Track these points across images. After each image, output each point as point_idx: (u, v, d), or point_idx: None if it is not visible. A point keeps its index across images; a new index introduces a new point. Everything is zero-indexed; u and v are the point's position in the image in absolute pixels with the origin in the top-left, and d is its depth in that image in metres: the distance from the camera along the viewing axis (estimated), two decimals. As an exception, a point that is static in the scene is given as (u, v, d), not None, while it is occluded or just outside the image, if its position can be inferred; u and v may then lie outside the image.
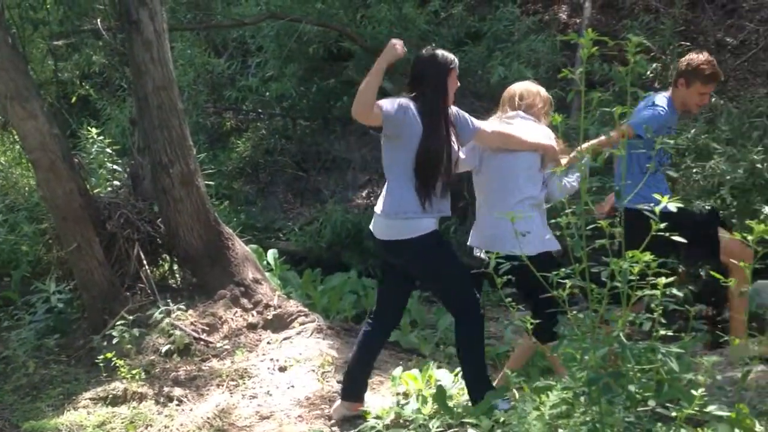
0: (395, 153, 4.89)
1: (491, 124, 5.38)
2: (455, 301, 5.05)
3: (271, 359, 6.37)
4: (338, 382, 6.01)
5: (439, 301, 5.43)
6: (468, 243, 5.51)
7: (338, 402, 5.44)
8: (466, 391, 5.25)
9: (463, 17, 12.41)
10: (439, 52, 5.09)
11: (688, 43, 12.82)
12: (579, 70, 3.34)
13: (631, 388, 3.19)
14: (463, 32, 12.28)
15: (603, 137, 5.41)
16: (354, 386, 5.36)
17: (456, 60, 5.08)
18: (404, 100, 4.88)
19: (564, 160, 5.18)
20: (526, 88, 5.59)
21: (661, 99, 5.66)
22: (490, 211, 5.20)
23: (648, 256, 3.11)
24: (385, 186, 5.04)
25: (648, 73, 11.33)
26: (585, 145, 5.51)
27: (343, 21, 11.70)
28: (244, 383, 6.11)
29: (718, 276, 3.38)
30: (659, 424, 3.27)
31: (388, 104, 4.75)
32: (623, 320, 3.17)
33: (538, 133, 5.32)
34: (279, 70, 12.64)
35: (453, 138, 4.93)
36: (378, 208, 5.03)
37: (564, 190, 5.21)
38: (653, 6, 14.20)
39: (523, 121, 5.39)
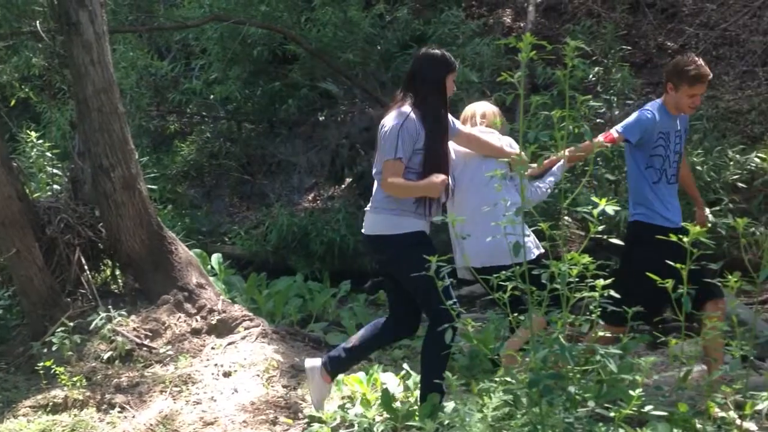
0: None
1: (467, 128, 5.44)
2: (424, 308, 4.98)
3: (216, 364, 6.31)
4: (283, 386, 5.99)
5: None
6: (459, 274, 5.45)
7: (317, 362, 5.33)
8: (411, 394, 5.26)
9: (408, 20, 12.46)
10: (440, 52, 5.03)
11: (629, 48, 12.99)
12: (518, 74, 3.36)
13: (571, 389, 3.22)
14: (408, 35, 12.32)
15: (586, 142, 5.48)
16: (338, 362, 5.28)
17: (456, 63, 5.07)
18: (408, 129, 4.86)
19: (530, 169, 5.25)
20: (485, 108, 5.73)
21: (652, 104, 5.66)
22: (481, 227, 5.05)
23: (586, 259, 3.14)
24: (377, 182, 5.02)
25: (590, 77, 11.45)
26: (569, 150, 5.59)
27: (288, 24, 11.68)
28: (188, 389, 6.04)
29: (655, 278, 3.42)
30: (599, 424, 3.30)
31: (404, 163, 4.84)
32: (562, 322, 3.20)
33: (503, 142, 5.46)
34: (223, 72, 12.57)
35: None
36: (369, 205, 5.04)
37: (537, 195, 5.34)
38: (595, 10, 14.37)
39: (488, 133, 5.50)
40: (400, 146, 4.76)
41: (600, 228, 3.29)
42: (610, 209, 3.33)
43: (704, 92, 5.57)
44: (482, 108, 5.75)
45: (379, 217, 4.92)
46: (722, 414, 3.93)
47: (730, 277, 3.35)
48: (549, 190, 5.57)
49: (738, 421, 4.21)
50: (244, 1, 11.48)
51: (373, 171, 5.06)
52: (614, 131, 5.57)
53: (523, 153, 5.09)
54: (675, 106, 5.53)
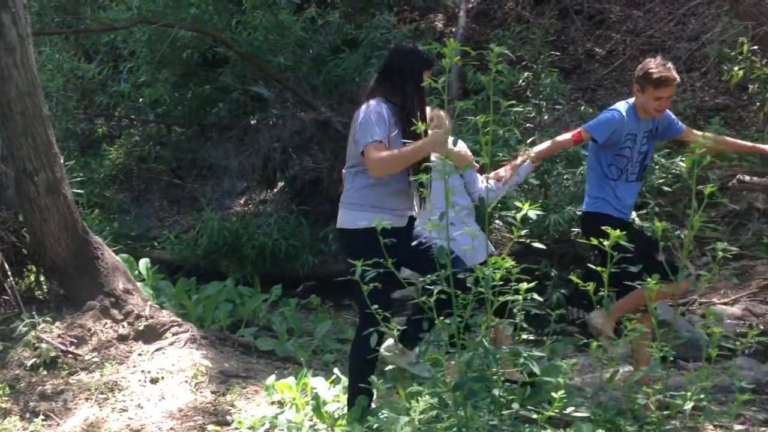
0: None
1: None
2: (358, 307, 4.80)
3: (143, 371, 6.23)
4: (212, 392, 5.94)
5: None
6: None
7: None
8: (342, 398, 5.26)
9: (339, 24, 12.47)
10: (420, 48, 4.88)
11: (558, 53, 13.18)
12: (442, 80, 3.38)
13: (496, 392, 3.25)
14: (339, 39, 12.33)
15: (555, 139, 5.54)
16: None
17: (434, 60, 4.85)
18: (379, 113, 4.68)
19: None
20: (433, 112, 5.69)
21: (622, 104, 5.63)
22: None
23: (509, 263, 3.17)
24: (352, 179, 4.85)
25: (520, 82, 11.58)
26: (536, 149, 5.65)
27: (218, 27, 11.59)
28: (114, 396, 5.95)
29: (578, 281, 3.47)
30: (524, 426, 3.34)
31: (385, 145, 4.59)
32: (486, 325, 3.23)
33: (459, 146, 5.43)
34: (152, 75, 12.43)
35: None
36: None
37: (491, 196, 5.33)
38: (524, 16, 14.54)
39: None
40: (376, 130, 4.57)
41: (524, 232, 3.32)
42: (533, 213, 3.37)
43: (671, 95, 5.54)
44: (430, 112, 5.74)
45: (341, 211, 4.80)
46: (646, 414, 4.00)
47: (649, 279, 3.42)
48: (503, 191, 5.57)
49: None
50: (173, 4, 11.37)
51: (344, 169, 4.92)
52: (582, 130, 5.59)
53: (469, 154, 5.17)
54: (643, 108, 5.52)
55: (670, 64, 5.45)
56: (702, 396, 3.28)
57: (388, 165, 4.51)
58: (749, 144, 6.27)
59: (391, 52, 5.07)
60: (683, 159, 9.65)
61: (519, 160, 5.53)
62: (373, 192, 4.67)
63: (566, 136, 5.70)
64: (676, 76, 5.49)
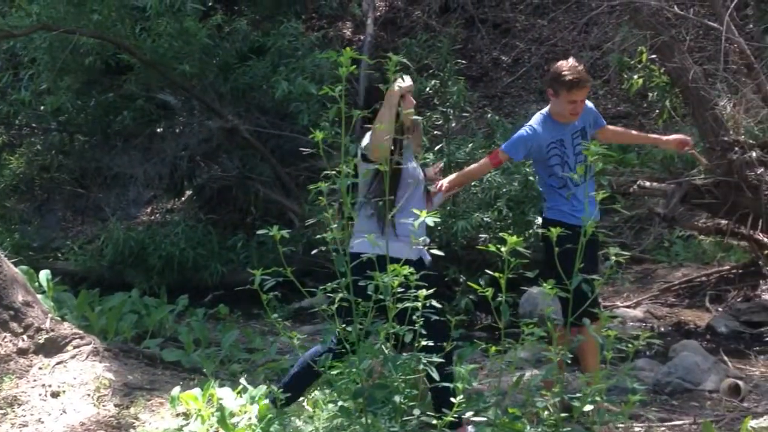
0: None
1: None
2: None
3: (43, 385, 6.07)
4: (115, 405, 5.83)
5: None
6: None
7: None
8: (248, 408, 5.22)
9: (246, 32, 12.39)
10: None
11: (464, 61, 13.32)
12: (338, 88, 3.40)
13: (397, 398, 3.26)
14: (246, 47, 12.25)
15: (470, 168, 5.49)
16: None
17: (410, 84, 4.71)
18: None
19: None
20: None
21: (537, 117, 5.51)
22: None
23: (407, 270, 3.19)
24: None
25: (427, 89, 11.67)
26: (449, 178, 5.48)
27: (121, 34, 11.39)
28: (14, 411, 5.79)
29: (476, 287, 3.51)
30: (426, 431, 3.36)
31: None
32: (384, 332, 3.24)
33: None
34: (53, 83, 12.15)
35: None
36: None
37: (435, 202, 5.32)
38: (431, 24, 14.68)
39: None
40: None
41: (422, 239, 3.35)
42: (430, 221, 3.40)
43: (584, 98, 5.42)
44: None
45: None
46: (547, 416, 4.07)
47: (545, 284, 3.48)
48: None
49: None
50: (75, 11, 11.12)
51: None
52: (499, 151, 5.46)
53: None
54: (559, 113, 5.38)
55: (581, 66, 5.36)
56: (598, 398, 3.35)
57: (378, 138, 4.35)
58: (652, 136, 6.38)
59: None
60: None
61: (432, 193, 5.43)
62: None
63: (484, 160, 5.60)
64: (589, 77, 5.48)
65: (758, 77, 8.93)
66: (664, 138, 5.96)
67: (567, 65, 5.32)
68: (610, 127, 5.91)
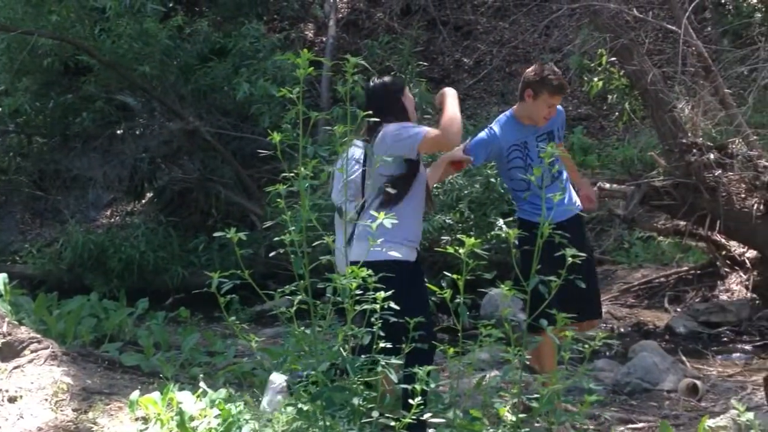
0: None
1: None
2: None
3: (0, 390, 6.00)
4: (74, 410, 5.76)
5: None
6: None
7: None
8: (208, 412, 5.18)
9: (207, 33, 12.33)
10: (387, 79, 5.03)
11: (426, 63, 13.37)
12: (296, 90, 3.38)
13: (355, 401, 3.26)
14: (208, 48, 12.19)
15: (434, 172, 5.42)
16: None
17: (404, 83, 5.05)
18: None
19: None
20: None
21: (499, 118, 5.43)
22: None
23: (365, 272, 3.19)
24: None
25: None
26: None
27: (80, 35, 11.29)
28: (-30, 417, 5.72)
29: (435, 288, 3.52)
30: (384, 433, 3.36)
31: None
32: (342, 334, 3.24)
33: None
34: (11, 84, 12.03)
35: None
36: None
37: None
38: (393, 27, 14.70)
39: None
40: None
41: (380, 241, 3.35)
42: (388, 222, 3.40)
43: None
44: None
45: None
46: (510, 417, 4.08)
47: (502, 285, 3.49)
48: None
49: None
50: (33, 11, 11.02)
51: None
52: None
53: None
54: (529, 116, 5.28)
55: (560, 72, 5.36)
56: (556, 398, 3.37)
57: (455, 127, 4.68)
58: (576, 175, 5.83)
59: (367, 93, 5.05)
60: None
61: None
62: None
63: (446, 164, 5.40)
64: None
65: (716, 80, 9.04)
66: (579, 182, 5.72)
67: (551, 69, 5.30)
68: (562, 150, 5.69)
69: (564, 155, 5.56)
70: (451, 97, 4.81)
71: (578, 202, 5.45)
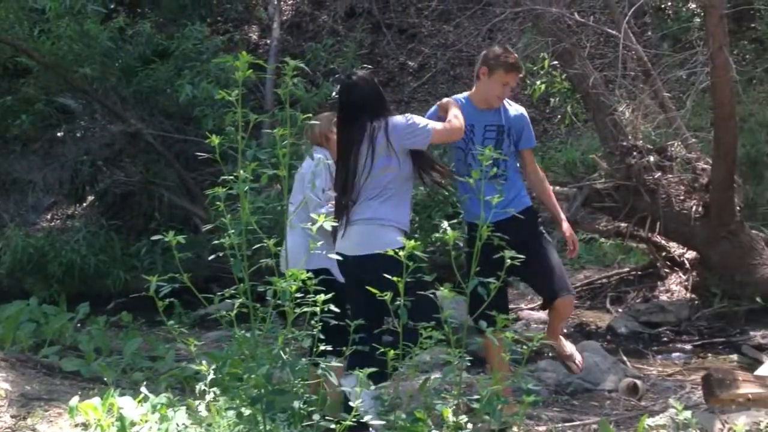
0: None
1: None
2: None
3: (-65, 398, 5.88)
4: (12, 416, 5.67)
5: None
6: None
7: None
8: (149, 417, 5.13)
9: (150, 34, 12.20)
10: (361, 72, 5.15)
11: (371, 66, 13.38)
12: (235, 92, 3.37)
13: (296, 404, 3.25)
14: (150, 50, 12.07)
15: None
16: None
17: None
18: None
19: None
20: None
21: (456, 97, 5.34)
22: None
23: (304, 275, 3.18)
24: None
25: (334, 94, 11.67)
26: None
27: (19, 36, 11.11)
28: None
29: (375, 291, 3.51)
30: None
31: None
32: (282, 337, 3.23)
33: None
34: (-54, 86, 11.81)
35: None
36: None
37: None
38: (338, 30, 14.70)
39: None
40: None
41: (320, 243, 3.34)
42: (327, 225, 3.40)
43: (515, 87, 5.50)
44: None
45: None
46: (452, 419, 4.09)
47: (442, 288, 3.51)
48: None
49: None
50: (-31, 12, 10.84)
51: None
52: None
53: None
54: (484, 98, 5.23)
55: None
56: (495, 399, 3.39)
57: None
58: (559, 214, 5.69)
59: (345, 89, 5.09)
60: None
61: None
62: None
63: None
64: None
65: (655, 83, 9.18)
66: (564, 226, 5.64)
67: (506, 49, 5.33)
68: (539, 169, 5.58)
69: (537, 175, 5.51)
70: (453, 104, 5.13)
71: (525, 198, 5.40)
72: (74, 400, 5.56)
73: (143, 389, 5.72)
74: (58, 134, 12.37)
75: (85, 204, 12.69)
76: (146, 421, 5.22)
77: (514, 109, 5.39)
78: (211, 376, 3.78)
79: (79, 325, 8.67)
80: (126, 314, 9.20)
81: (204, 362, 4.05)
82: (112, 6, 13.11)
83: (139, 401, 5.51)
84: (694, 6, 12.62)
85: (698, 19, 11.79)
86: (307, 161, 5.38)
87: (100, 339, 7.81)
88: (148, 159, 11.79)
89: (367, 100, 4.84)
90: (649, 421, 4.87)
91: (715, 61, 7.39)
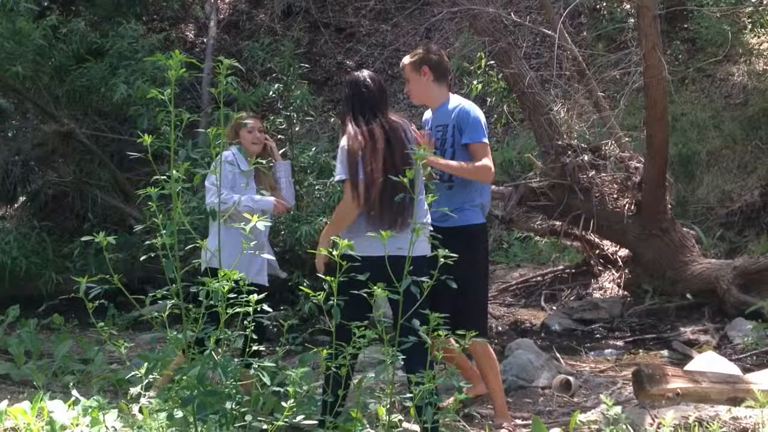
0: None
1: None
2: None
3: None
4: None
5: None
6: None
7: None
8: (80, 420, 5.06)
9: (84, 33, 11.98)
10: (366, 72, 4.93)
11: (307, 66, 13.33)
12: (167, 91, 3.33)
13: (228, 404, 3.22)
14: (84, 49, 11.84)
15: None
16: None
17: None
18: None
19: None
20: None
21: None
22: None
23: (236, 275, 3.16)
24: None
25: (271, 93, 11.62)
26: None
27: (-52, 33, 10.85)
28: None
29: (307, 291, 3.51)
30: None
31: None
32: (214, 338, 3.20)
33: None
34: None
35: None
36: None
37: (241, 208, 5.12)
38: (275, 29, 14.63)
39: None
40: None
41: (253, 243, 3.32)
42: (261, 225, 3.38)
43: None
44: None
45: None
46: (386, 417, 4.10)
47: (375, 287, 3.51)
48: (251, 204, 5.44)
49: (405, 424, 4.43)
50: None
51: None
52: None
53: None
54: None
55: None
56: (428, 397, 3.41)
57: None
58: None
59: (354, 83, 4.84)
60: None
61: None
62: None
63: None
64: None
65: (590, 83, 9.31)
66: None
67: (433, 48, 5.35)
68: (486, 165, 5.18)
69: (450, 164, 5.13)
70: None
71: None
72: (3, 404, 5.46)
73: (74, 392, 5.63)
74: (-11, 134, 12.12)
75: (16, 205, 12.45)
76: (77, 425, 5.15)
77: (459, 104, 5.22)
78: (146, 380, 3.74)
79: (9, 328, 8.49)
80: (58, 317, 9.03)
81: (138, 365, 4.00)
82: (45, 4, 12.85)
83: (70, 405, 5.43)
84: (628, 7, 12.81)
85: (632, 20, 11.96)
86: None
87: (31, 342, 7.66)
88: (81, 159, 11.60)
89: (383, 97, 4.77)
90: (581, 417, 4.94)
91: (648, 61, 7.52)
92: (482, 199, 5.27)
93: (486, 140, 5.14)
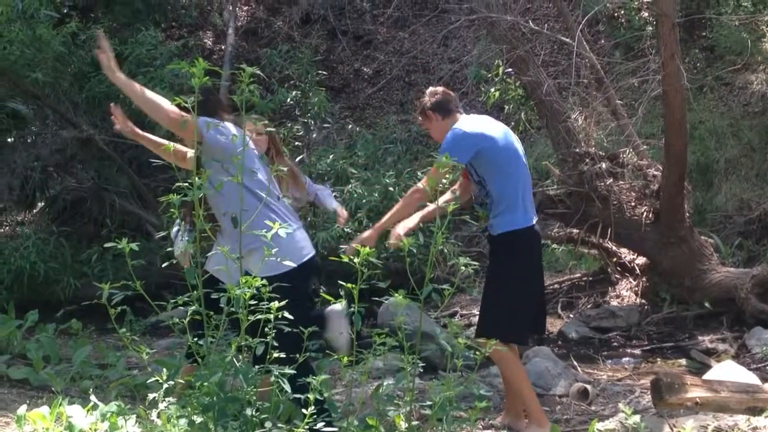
0: None
1: None
2: None
3: None
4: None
5: None
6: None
7: None
8: (98, 426, 5.07)
9: (103, 40, 12.06)
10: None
11: (325, 72, 13.38)
12: (191, 99, 3.35)
13: (248, 411, 3.23)
14: (103, 55, 11.92)
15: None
16: None
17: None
18: None
19: None
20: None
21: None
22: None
23: (259, 281, 3.18)
24: None
25: (288, 100, 11.67)
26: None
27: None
28: None
29: (329, 298, 3.52)
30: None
31: None
32: (235, 344, 3.21)
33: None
34: None
35: None
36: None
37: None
38: (293, 36, 14.67)
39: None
40: None
41: (275, 250, 3.33)
42: (282, 232, 3.39)
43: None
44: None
45: None
46: (405, 425, 4.10)
47: (396, 294, 3.51)
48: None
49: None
50: None
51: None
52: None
53: None
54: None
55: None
56: (448, 405, 3.40)
57: None
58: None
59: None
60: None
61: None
62: None
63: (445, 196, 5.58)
64: None
65: (608, 91, 9.28)
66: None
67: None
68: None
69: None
70: None
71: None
72: (22, 409, 5.48)
73: (93, 397, 5.66)
74: (9, 140, 12.21)
75: (35, 210, 12.54)
76: (95, 430, 5.16)
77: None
78: (166, 385, 3.75)
79: (27, 333, 8.54)
80: (76, 322, 9.08)
81: (157, 371, 4.02)
82: (65, 11, 12.95)
83: (89, 410, 5.45)
84: (646, 15, 12.80)
85: (650, 28, 11.95)
86: None
87: (49, 347, 7.70)
88: (99, 165, 11.68)
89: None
90: (599, 426, 4.92)
91: (667, 69, 7.49)
92: (502, 208, 5.41)
93: (444, 158, 5.09)
